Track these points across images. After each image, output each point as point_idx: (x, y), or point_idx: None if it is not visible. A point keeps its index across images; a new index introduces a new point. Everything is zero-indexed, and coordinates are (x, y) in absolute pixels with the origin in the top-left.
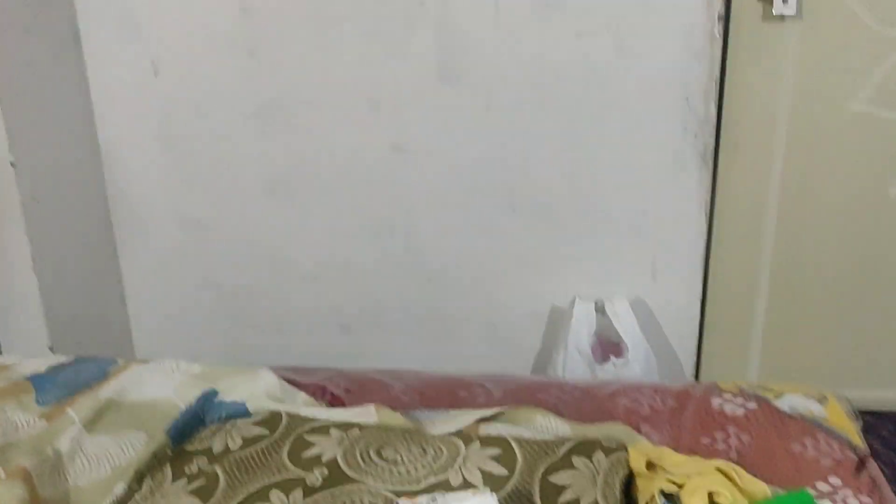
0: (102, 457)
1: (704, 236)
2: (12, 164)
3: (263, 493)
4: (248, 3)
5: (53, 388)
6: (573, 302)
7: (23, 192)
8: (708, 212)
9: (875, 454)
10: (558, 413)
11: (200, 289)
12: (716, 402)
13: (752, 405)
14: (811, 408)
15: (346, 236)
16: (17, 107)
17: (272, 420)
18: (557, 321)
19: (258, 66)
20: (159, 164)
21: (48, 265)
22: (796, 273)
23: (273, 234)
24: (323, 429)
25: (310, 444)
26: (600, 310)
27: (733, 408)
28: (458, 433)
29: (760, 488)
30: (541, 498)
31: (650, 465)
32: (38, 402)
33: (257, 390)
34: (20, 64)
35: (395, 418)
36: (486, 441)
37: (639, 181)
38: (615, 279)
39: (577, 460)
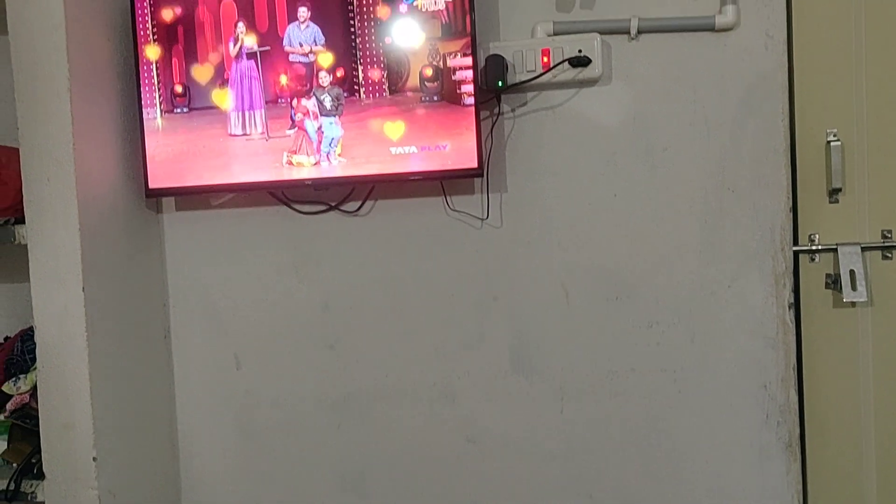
0: None
1: None
2: (94, 459)
3: None
4: (331, 298)
5: None
6: None
7: (101, 486)
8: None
9: None
10: None
11: None
12: None
13: None
14: None
15: None
16: (106, 400)
17: None
18: None
19: (337, 360)
20: (234, 456)
21: None
22: None
23: None
24: None
25: None
26: None
27: None
28: None
29: None
30: None
31: None
32: None
33: None
34: (113, 360)
35: None
36: None
37: (722, 472)
38: None
39: None
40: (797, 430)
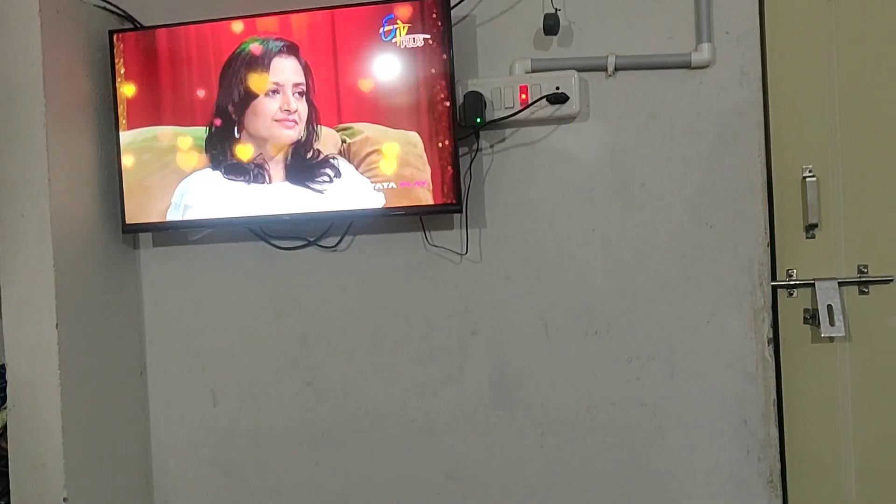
0: None
1: None
2: (65, 500)
3: None
4: (309, 333)
5: None
6: None
7: None
8: None
9: None
10: None
11: None
12: None
13: None
14: None
15: None
16: (78, 439)
17: None
18: None
19: (315, 396)
20: (211, 493)
21: None
22: None
23: None
24: None
25: None
26: None
27: None
28: None
29: None
30: None
31: None
32: None
33: None
34: (87, 397)
35: None
36: None
37: None
38: None
39: None
40: (778, 466)
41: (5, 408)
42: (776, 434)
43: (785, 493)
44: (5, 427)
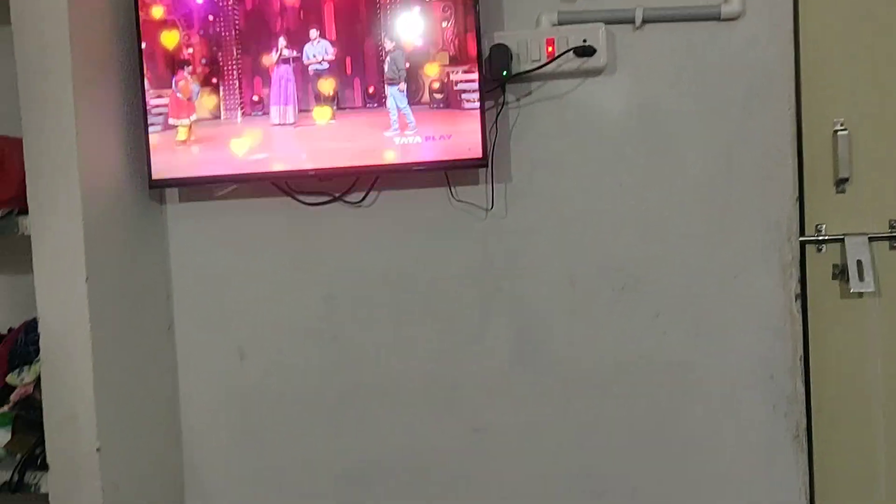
0: None
1: None
2: (98, 451)
3: None
4: (334, 290)
5: None
6: None
7: (104, 478)
8: (808, 495)
9: None
10: None
11: None
12: None
13: None
14: None
15: None
16: (109, 392)
17: None
18: None
19: (340, 352)
20: (237, 448)
21: None
22: None
23: None
24: None
25: None
26: None
27: None
28: None
29: None
30: None
31: None
32: None
33: None
34: (116, 351)
35: None
36: None
37: (729, 463)
38: None
39: None
40: (804, 421)
41: (38, 360)
42: (803, 389)
43: (811, 448)
44: (38, 379)
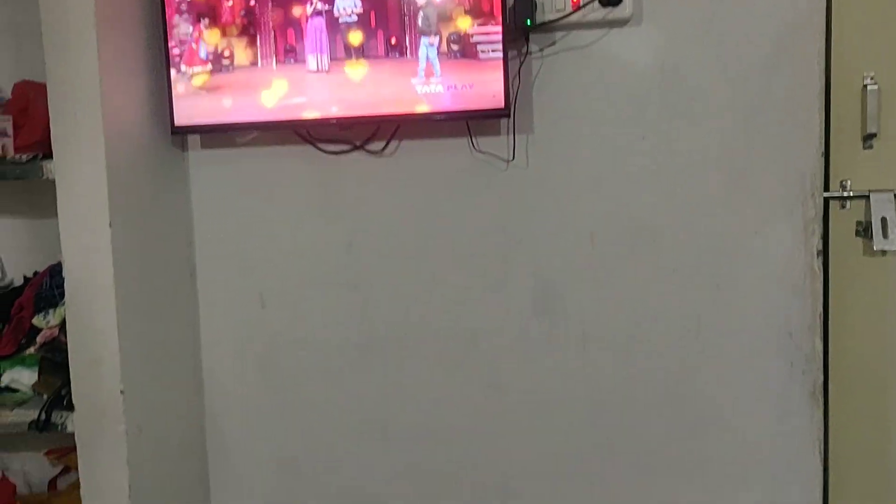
0: None
1: (821, 478)
2: (122, 393)
3: None
4: (355, 239)
5: None
6: None
7: (128, 419)
8: (822, 452)
9: None
10: None
11: None
12: None
13: None
14: None
15: (441, 483)
16: (133, 336)
17: None
18: None
19: (360, 301)
20: (258, 393)
21: (143, 496)
22: None
23: (366, 477)
24: None
25: None
26: None
27: None
28: None
29: None
30: None
31: None
32: None
33: None
34: (140, 296)
35: None
36: None
37: (746, 420)
38: None
39: None
40: (821, 379)
41: (63, 304)
42: (821, 347)
43: (826, 406)
44: (63, 322)
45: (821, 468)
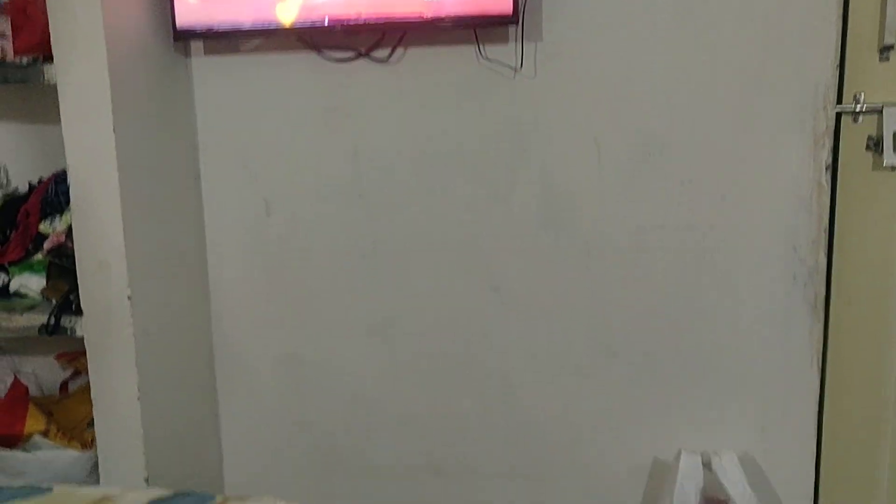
0: None
1: (817, 390)
2: (129, 298)
3: None
4: (360, 147)
5: None
6: (678, 455)
7: (136, 324)
8: (820, 364)
9: None
10: None
11: (294, 427)
12: None
13: None
14: None
15: (442, 380)
16: (139, 241)
17: None
18: (661, 476)
19: (366, 209)
20: (263, 300)
21: (152, 397)
22: None
23: (370, 377)
24: None
25: None
26: (706, 464)
27: None
28: None
29: None
30: None
31: None
32: None
33: None
34: (145, 201)
35: None
36: None
37: (746, 331)
38: (721, 432)
39: None
40: (823, 292)
41: (69, 209)
42: (825, 261)
43: (827, 321)
44: (70, 227)
45: (818, 382)
